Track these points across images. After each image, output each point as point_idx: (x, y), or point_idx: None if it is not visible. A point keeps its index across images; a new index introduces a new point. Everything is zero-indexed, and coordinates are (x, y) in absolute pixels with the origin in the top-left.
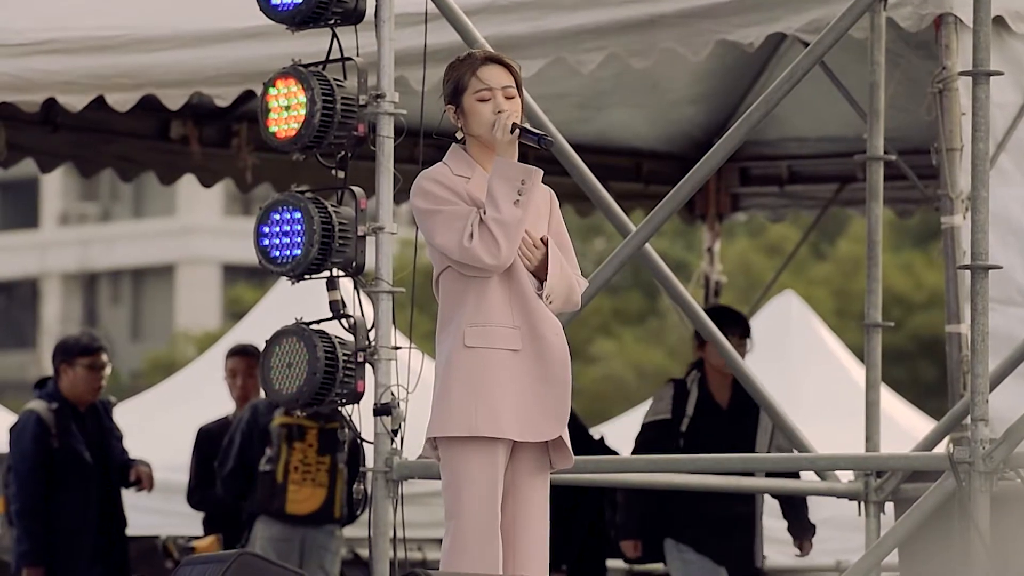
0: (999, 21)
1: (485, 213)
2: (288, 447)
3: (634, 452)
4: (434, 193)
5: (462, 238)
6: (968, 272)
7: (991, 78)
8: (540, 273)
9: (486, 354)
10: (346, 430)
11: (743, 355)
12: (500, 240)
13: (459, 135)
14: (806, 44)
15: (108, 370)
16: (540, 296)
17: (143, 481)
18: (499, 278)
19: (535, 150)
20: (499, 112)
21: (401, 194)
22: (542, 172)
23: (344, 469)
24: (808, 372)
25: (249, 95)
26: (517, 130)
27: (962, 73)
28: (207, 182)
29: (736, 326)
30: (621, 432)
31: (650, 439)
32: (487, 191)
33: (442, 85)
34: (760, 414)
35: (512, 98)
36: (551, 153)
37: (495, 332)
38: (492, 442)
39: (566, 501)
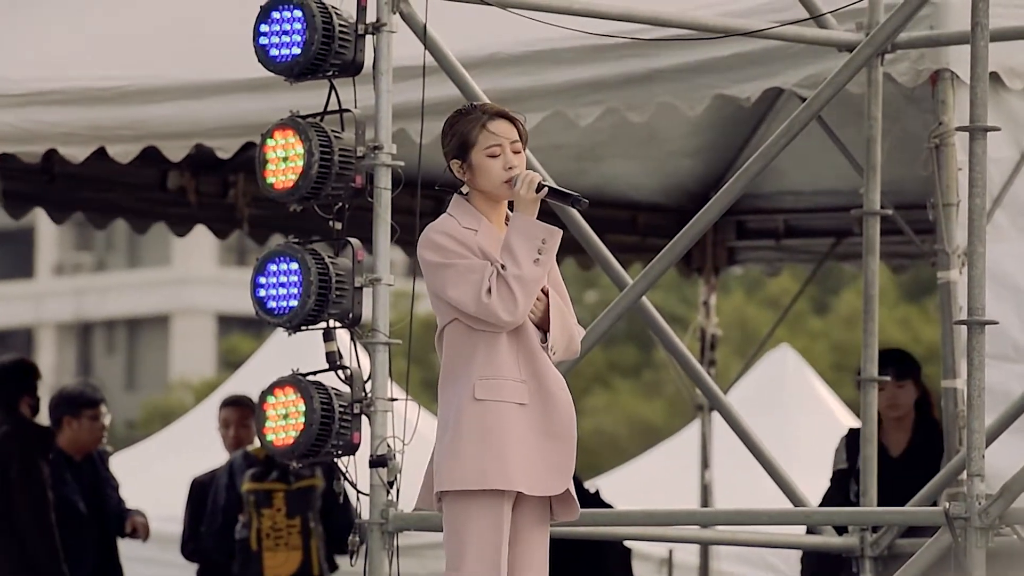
0: (995, 77)
1: (504, 268)
2: (257, 514)
3: (821, 502)
4: (445, 246)
5: (479, 292)
6: (964, 327)
7: (988, 134)
8: (543, 324)
9: (496, 407)
10: (341, 481)
11: (902, 401)
12: (519, 297)
13: (464, 189)
14: (803, 99)
15: (108, 420)
16: (545, 348)
17: (139, 531)
18: (508, 332)
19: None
20: (510, 168)
21: (400, 245)
22: (561, 232)
23: (318, 526)
24: (803, 425)
25: (247, 146)
26: (544, 190)
27: (959, 128)
28: (221, 234)
29: (889, 367)
30: (615, 486)
31: (831, 491)
32: (506, 246)
33: (443, 138)
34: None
35: (519, 152)
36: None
37: (504, 385)
38: (499, 496)
39: (564, 554)
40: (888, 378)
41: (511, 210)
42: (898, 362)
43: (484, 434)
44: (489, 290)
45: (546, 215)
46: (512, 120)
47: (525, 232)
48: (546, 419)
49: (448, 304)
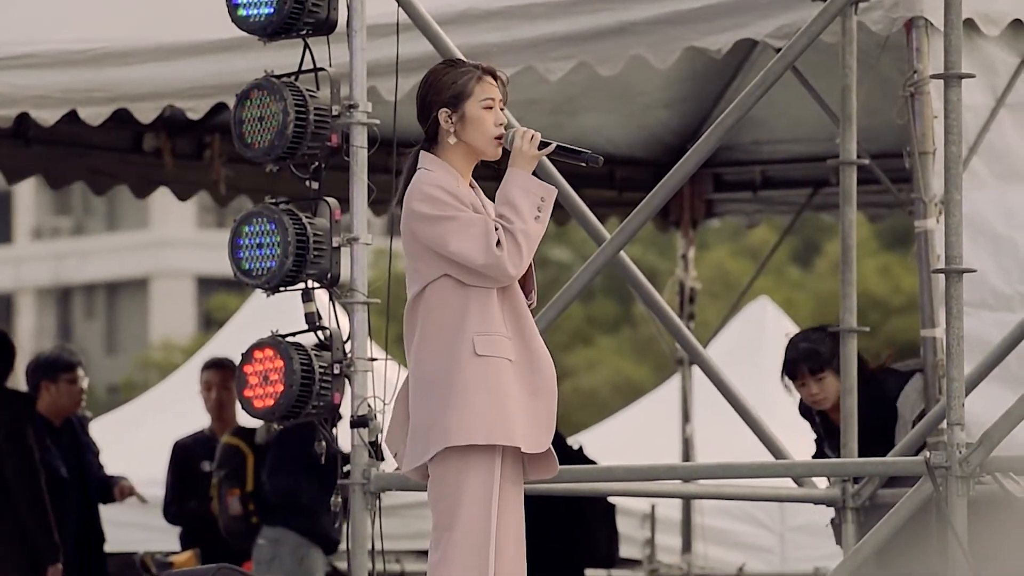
0: (969, 24)
1: (511, 223)
2: None
3: None
4: (442, 199)
5: (488, 245)
6: (942, 276)
7: (963, 81)
8: (525, 282)
9: (497, 363)
10: (321, 442)
11: (827, 394)
12: (524, 251)
13: (451, 140)
14: (777, 49)
15: (86, 383)
16: (529, 304)
17: (126, 493)
18: (498, 288)
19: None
20: (500, 124)
21: (376, 204)
22: (556, 191)
23: (228, 494)
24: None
25: (222, 107)
26: (552, 146)
27: (934, 76)
28: (182, 195)
29: (802, 365)
30: (596, 441)
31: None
32: (508, 201)
33: (430, 87)
34: (898, 425)
35: (503, 111)
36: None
37: (499, 341)
38: (491, 452)
39: (544, 511)
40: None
41: (484, 166)
42: (809, 359)
43: (488, 390)
44: (499, 243)
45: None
46: (502, 80)
47: (526, 188)
48: (532, 375)
49: (441, 259)
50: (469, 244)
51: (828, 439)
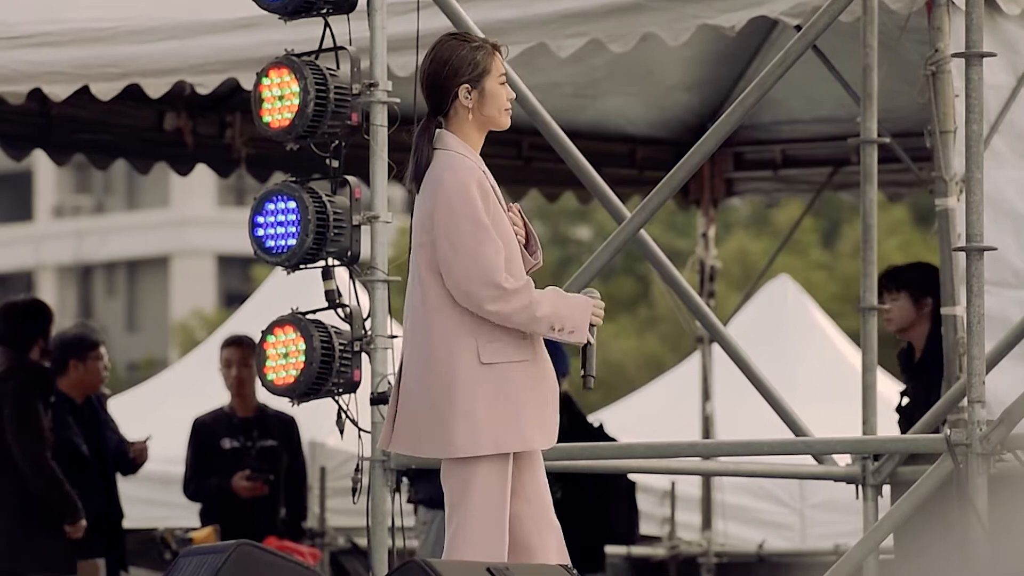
0: (991, 3)
1: (540, 301)
2: None
3: None
4: (479, 209)
5: (495, 268)
6: (963, 254)
7: (984, 60)
8: (529, 241)
9: (505, 369)
10: (342, 419)
11: (893, 315)
12: (514, 313)
13: (470, 116)
14: (798, 28)
15: (108, 360)
16: (535, 265)
17: (140, 455)
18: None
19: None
20: (511, 98)
21: (397, 181)
22: (586, 341)
23: None
24: (803, 356)
25: (238, 88)
26: (586, 342)
27: (955, 55)
28: (223, 172)
29: (888, 282)
30: (616, 419)
31: None
32: (557, 302)
33: (448, 65)
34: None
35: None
36: (546, 140)
37: (507, 345)
38: (506, 456)
39: (564, 488)
40: (886, 305)
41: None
42: (887, 276)
43: (495, 399)
44: (507, 283)
45: (546, 150)
46: (502, 54)
47: (573, 309)
48: (543, 369)
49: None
50: (477, 268)
51: (905, 374)
